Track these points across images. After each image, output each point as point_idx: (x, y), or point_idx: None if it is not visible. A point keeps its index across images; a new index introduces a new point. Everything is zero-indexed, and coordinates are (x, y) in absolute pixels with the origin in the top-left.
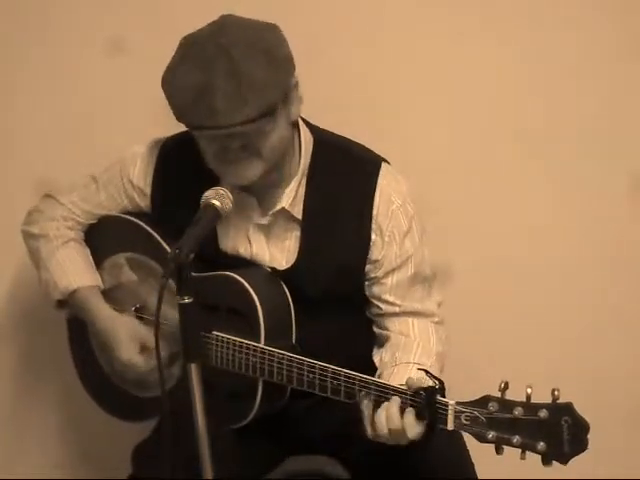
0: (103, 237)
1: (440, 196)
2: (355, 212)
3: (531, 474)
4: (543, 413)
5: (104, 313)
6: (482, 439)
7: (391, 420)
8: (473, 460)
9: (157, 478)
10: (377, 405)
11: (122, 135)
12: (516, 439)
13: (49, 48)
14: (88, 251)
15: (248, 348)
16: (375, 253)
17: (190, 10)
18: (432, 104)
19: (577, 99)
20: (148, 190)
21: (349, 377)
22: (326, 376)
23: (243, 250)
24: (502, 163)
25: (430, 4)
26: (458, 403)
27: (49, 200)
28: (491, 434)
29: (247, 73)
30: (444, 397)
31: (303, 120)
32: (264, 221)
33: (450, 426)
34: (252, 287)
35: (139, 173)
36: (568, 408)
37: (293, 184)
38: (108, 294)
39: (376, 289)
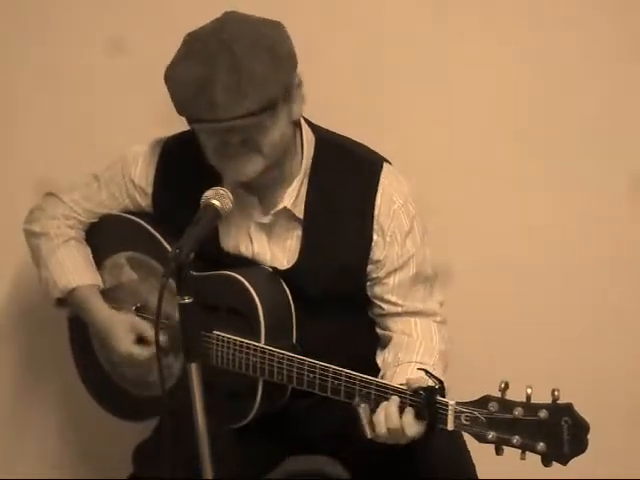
0: (104, 236)
1: (440, 196)
2: (357, 212)
3: (531, 474)
4: (543, 413)
5: (103, 312)
6: (482, 439)
7: (390, 419)
8: (473, 460)
9: (158, 478)
10: (377, 405)
11: (122, 135)
12: (516, 439)
13: (49, 48)
14: (89, 250)
15: (248, 348)
16: (377, 253)
17: (190, 10)
18: (432, 104)
19: (577, 99)
20: (149, 189)
21: (350, 377)
22: (327, 376)
23: (244, 249)
24: (502, 163)
25: (430, 4)
26: (458, 403)
27: (51, 198)
28: (491, 434)
29: (248, 68)
30: (444, 397)
31: (305, 120)
32: (266, 220)
33: (450, 426)
34: (253, 287)
35: (140, 172)
36: (568, 409)
37: (295, 183)
38: (108, 293)
39: (378, 289)
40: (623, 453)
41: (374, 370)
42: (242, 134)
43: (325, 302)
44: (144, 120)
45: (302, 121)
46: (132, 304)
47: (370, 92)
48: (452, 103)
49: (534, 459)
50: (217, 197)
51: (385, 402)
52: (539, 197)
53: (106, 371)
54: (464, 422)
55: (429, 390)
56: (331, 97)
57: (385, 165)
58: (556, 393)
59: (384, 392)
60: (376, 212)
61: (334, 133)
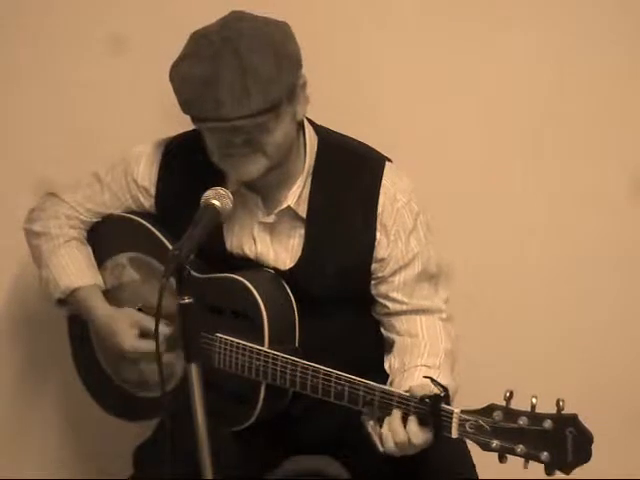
0: (106, 236)
1: (440, 196)
2: (360, 211)
3: (531, 474)
4: (548, 424)
5: (104, 312)
6: (486, 447)
7: (395, 434)
8: (474, 461)
9: (159, 479)
10: (382, 413)
11: (122, 135)
12: (520, 448)
13: (49, 48)
14: (90, 250)
15: (252, 351)
16: (381, 252)
17: (191, 9)
18: (433, 104)
19: (577, 99)
20: (152, 190)
21: (353, 382)
22: (330, 381)
23: (248, 249)
24: (502, 163)
25: (433, 5)
26: (463, 411)
27: (52, 198)
28: (495, 443)
29: (253, 67)
30: (449, 404)
31: (308, 119)
32: (269, 219)
33: (454, 434)
34: (256, 290)
35: (143, 173)
36: (573, 419)
37: (298, 183)
38: (110, 294)
39: (383, 287)
40: (623, 453)
41: (377, 371)
42: (246, 134)
43: (328, 302)
44: (144, 120)
45: (305, 121)
46: (134, 305)
47: (372, 92)
48: (453, 103)
49: (536, 463)
50: (217, 197)
51: (388, 418)
52: (539, 197)
53: (106, 371)
54: (468, 430)
55: (434, 398)
56: (333, 97)
57: (387, 164)
58: (561, 403)
59: (388, 399)
60: (379, 210)
61: (336, 133)
